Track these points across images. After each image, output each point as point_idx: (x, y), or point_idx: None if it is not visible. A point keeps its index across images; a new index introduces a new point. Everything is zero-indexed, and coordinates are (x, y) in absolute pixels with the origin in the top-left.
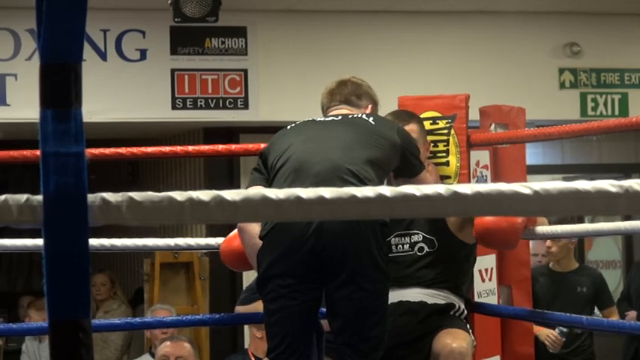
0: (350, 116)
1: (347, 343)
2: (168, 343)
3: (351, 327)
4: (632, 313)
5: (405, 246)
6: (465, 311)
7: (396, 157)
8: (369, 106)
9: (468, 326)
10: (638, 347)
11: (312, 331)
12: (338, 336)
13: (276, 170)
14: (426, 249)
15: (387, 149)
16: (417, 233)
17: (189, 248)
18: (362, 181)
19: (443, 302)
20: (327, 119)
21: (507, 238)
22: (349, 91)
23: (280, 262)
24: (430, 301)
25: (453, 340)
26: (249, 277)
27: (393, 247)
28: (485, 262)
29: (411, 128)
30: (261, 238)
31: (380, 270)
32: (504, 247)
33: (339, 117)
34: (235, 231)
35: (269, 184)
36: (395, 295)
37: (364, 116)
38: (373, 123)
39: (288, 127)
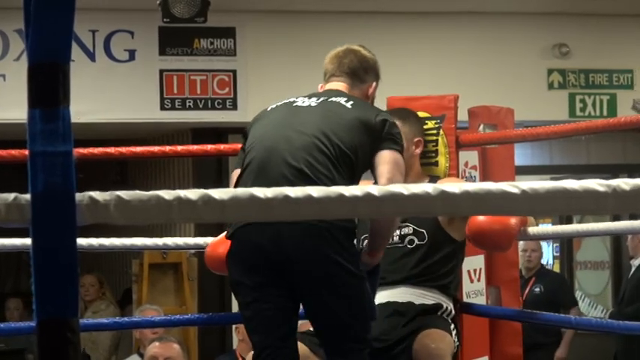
0: (330, 99)
1: (328, 344)
2: (157, 343)
3: (329, 330)
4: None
5: (395, 238)
6: (453, 312)
7: (370, 140)
8: (373, 84)
9: (453, 326)
10: (617, 350)
11: (294, 332)
12: (318, 337)
13: (242, 168)
14: (416, 241)
15: (359, 135)
16: (408, 225)
17: (178, 248)
18: (322, 181)
19: (431, 302)
20: (304, 104)
21: (500, 240)
22: (358, 64)
23: (245, 268)
24: (418, 301)
25: (432, 341)
26: None
27: None
28: (474, 263)
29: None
30: (227, 237)
31: (348, 272)
32: (497, 250)
33: (316, 102)
34: (221, 235)
35: (239, 178)
36: (383, 295)
37: (343, 101)
38: (349, 107)
39: (269, 108)
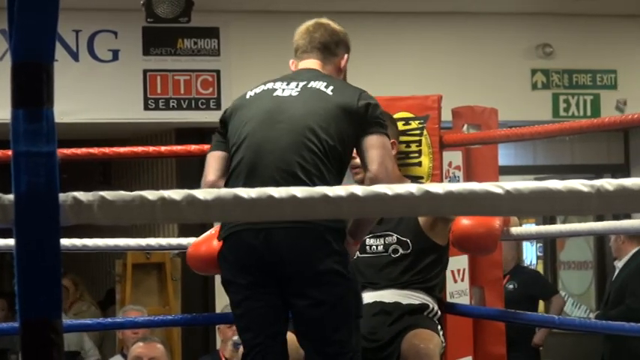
0: (310, 86)
1: (311, 348)
2: (140, 344)
3: (313, 333)
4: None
5: (379, 247)
6: (439, 312)
7: (354, 126)
8: (345, 56)
9: (440, 327)
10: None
11: (284, 331)
12: (302, 340)
13: (231, 169)
14: (401, 251)
15: (344, 122)
16: (391, 235)
17: (161, 248)
18: (312, 181)
19: (417, 302)
20: (284, 95)
21: (485, 244)
22: (328, 37)
23: (237, 268)
24: (405, 301)
25: (421, 341)
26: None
27: (368, 247)
28: (458, 263)
29: None
30: (219, 239)
31: (337, 273)
32: (482, 253)
33: (296, 91)
34: (203, 235)
35: (227, 180)
36: (370, 296)
37: (323, 87)
38: (331, 94)
39: (248, 95)
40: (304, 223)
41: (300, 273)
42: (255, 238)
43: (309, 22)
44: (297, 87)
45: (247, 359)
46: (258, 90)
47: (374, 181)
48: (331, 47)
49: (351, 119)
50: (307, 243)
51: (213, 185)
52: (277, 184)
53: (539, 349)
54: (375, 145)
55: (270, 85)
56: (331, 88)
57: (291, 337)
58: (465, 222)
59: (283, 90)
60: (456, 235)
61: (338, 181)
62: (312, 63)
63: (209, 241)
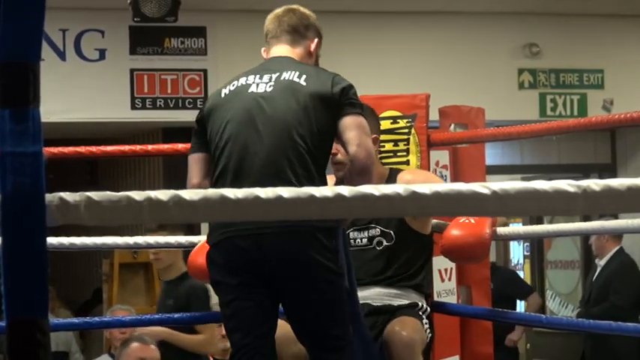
0: (283, 79)
1: (309, 343)
2: (136, 344)
3: (309, 328)
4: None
5: (363, 240)
6: (428, 310)
7: (332, 113)
8: (315, 40)
9: (426, 321)
10: (585, 348)
11: (273, 331)
12: (299, 336)
13: (216, 175)
14: (385, 243)
15: (323, 112)
16: (375, 227)
17: (149, 247)
18: (300, 182)
19: (407, 302)
20: (259, 91)
21: (475, 253)
22: (297, 21)
23: (227, 269)
24: (396, 302)
25: (402, 328)
26: None
27: (352, 241)
28: (445, 262)
29: None
30: (208, 243)
31: (330, 270)
32: (473, 262)
33: (270, 87)
34: (201, 243)
35: (213, 184)
36: (358, 296)
37: (296, 77)
38: (305, 84)
39: (222, 93)
40: (294, 225)
41: (291, 273)
42: (245, 242)
43: (279, 9)
44: (270, 80)
45: (235, 359)
46: (232, 87)
47: (354, 162)
48: (300, 30)
49: (328, 107)
50: (298, 243)
51: (198, 188)
52: (262, 184)
53: (517, 348)
54: (350, 126)
55: (243, 81)
56: (304, 77)
57: (286, 327)
58: (454, 232)
59: (257, 85)
60: (446, 247)
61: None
62: (283, 49)
63: (205, 251)
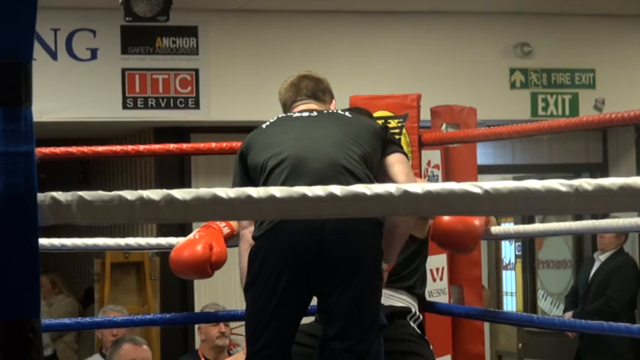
0: (325, 112)
1: (346, 348)
2: (128, 345)
3: (350, 330)
4: (568, 314)
5: None
6: (421, 317)
7: (379, 146)
8: (333, 102)
9: (425, 342)
10: (580, 346)
11: (294, 334)
12: (336, 341)
13: (268, 170)
14: None
15: (372, 141)
16: None
17: (140, 248)
18: (357, 179)
19: (399, 305)
20: (304, 115)
21: (464, 242)
22: (315, 86)
23: (275, 261)
24: (387, 302)
25: None
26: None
27: None
28: (437, 262)
29: None
30: (254, 238)
31: (378, 270)
32: (462, 252)
33: (315, 113)
34: (185, 239)
35: (262, 184)
36: None
37: (339, 111)
38: (350, 116)
39: (264, 125)
40: (358, 219)
41: (347, 265)
42: (309, 228)
43: (291, 77)
44: (312, 113)
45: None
46: (272, 120)
47: None
48: (319, 95)
49: (374, 137)
50: (360, 236)
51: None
52: (326, 177)
53: None
54: (399, 161)
55: (281, 115)
56: (347, 112)
57: None
58: (445, 219)
59: (301, 114)
60: (436, 232)
61: None
62: (310, 105)
63: (192, 245)
